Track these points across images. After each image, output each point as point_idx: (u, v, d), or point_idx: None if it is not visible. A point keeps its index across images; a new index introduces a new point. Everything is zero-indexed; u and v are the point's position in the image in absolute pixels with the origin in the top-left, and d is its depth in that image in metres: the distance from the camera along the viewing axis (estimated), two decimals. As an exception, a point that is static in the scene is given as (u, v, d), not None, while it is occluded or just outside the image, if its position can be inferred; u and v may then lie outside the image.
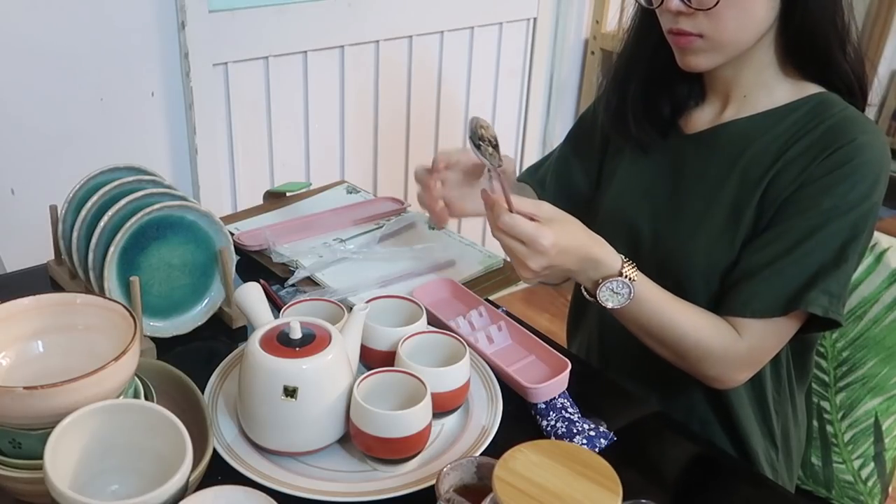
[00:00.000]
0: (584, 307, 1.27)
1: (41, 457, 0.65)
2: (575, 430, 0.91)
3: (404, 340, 0.92)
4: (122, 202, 1.00)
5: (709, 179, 1.05)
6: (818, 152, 0.97)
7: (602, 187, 1.20)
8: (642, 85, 1.09)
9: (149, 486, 0.64)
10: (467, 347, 0.92)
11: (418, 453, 0.84)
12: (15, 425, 0.71)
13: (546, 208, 0.94)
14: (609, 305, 0.97)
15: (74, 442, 0.69)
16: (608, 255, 0.95)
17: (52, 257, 1.18)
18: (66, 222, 1.08)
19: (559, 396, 0.96)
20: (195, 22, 1.71)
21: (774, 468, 1.14)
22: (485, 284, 1.21)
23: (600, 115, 1.18)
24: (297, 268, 1.20)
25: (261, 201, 1.47)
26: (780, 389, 1.11)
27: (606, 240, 0.97)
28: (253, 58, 1.86)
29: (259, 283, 0.92)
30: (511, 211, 0.91)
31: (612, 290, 0.96)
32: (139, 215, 0.99)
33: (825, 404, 1.25)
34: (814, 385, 1.25)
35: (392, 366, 0.90)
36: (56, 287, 1.16)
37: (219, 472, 0.81)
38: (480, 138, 0.96)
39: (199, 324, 1.08)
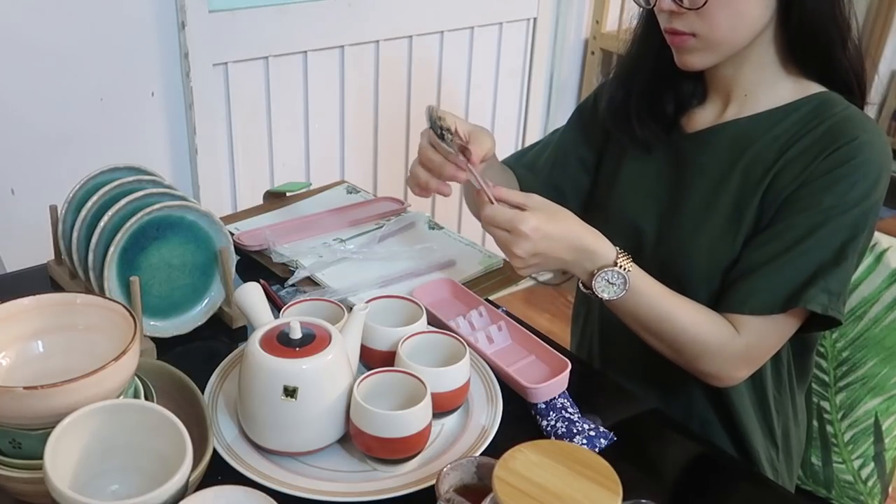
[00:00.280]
0: (586, 306, 1.27)
1: (41, 457, 0.65)
2: (575, 430, 0.91)
3: (404, 340, 0.92)
4: (122, 202, 1.00)
5: (710, 179, 1.05)
6: (819, 151, 0.97)
7: (604, 185, 1.19)
8: (648, 81, 1.10)
9: (149, 486, 0.64)
10: (467, 347, 0.92)
11: (418, 453, 0.84)
12: (15, 425, 0.71)
13: (536, 198, 0.95)
14: (604, 297, 0.97)
15: (74, 442, 0.69)
16: (603, 246, 0.96)
17: (52, 257, 1.18)
18: (66, 222, 1.07)
19: (559, 396, 0.96)
20: (195, 22, 1.72)
21: (775, 468, 1.14)
22: (485, 284, 1.21)
23: (601, 109, 1.17)
24: (297, 268, 1.19)
25: (261, 201, 1.47)
26: (780, 389, 1.11)
27: (610, 239, 0.97)
28: (253, 58, 1.86)
29: (259, 283, 0.92)
30: (492, 200, 0.93)
31: (608, 280, 0.96)
32: (139, 215, 0.99)
33: (825, 404, 1.25)
34: (814, 385, 1.25)
35: (392, 366, 0.90)
36: (56, 287, 1.16)
37: (219, 472, 0.81)
38: (441, 128, 0.97)
39: (199, 324, 1.08)
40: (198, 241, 1.06)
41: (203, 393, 0.89)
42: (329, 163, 2.12)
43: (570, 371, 0.97)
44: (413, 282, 1.17)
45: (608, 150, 1.20)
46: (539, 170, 1.24)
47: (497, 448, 0.86)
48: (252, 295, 0.90)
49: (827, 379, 1.24)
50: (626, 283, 0.96)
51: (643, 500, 0.71)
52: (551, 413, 0.93)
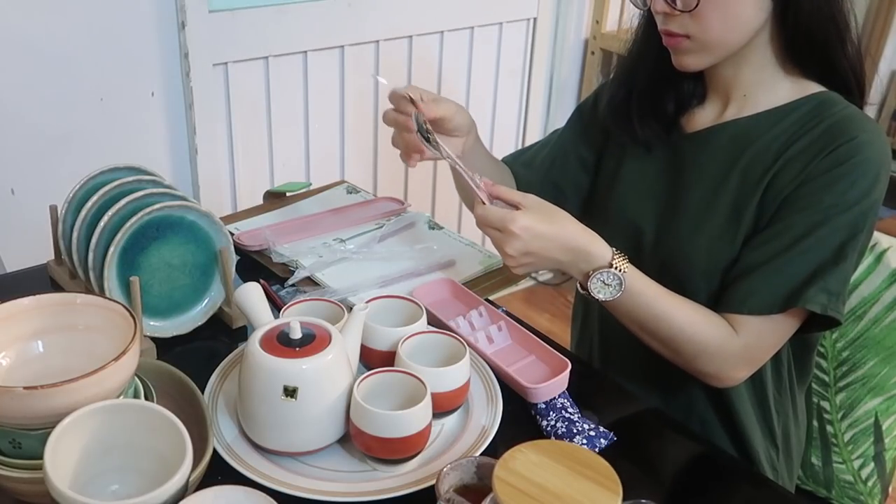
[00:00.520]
0: (586, 306, 1.27)
1: (41, 457, 0.65)
2: (575, 430, 0.91)
3: (404, 340, 0.92)
4: (122, 202, 1.00)
5: (710, 179, 1.05)
6: (819, 150, 0.97)
7: (603, 185, 1.19)
8: (648, 81, 1.10)
9: (149, 486, 0.64)
10: (467, 347, 0.92)
11: (418, 453, 0.84)
12: (15, 425, 0.71)
13: (532, 198, 0.96)
14: (601, 297, 0.97)
15: (74, 442, 0.69)
16: (598, 247, 0.96)
17: (52, 257, 1.18)
18: (66, 222, 1.07)
19: (559, 396, 0.96)
20: (195, 22, 1.71)
21: (775, 468, 1.14)
22: (485, 284, 1.21)
23: (601, 109, 1.17)
24: (297, 268, 1.20)
25: (261, 201, 1.47)
26: (780, 389, 1.11)
27: (610, 239, 0.97)
28: (253, 58, 1.86)
29: (259, 283, 0.92)
30: (484, 201, 0.95)
31: (603, 281, 0.96)
32: (139, 215, 0.99)
33: (825, 404, 1.25)
34: (814, 385, 1.25)
35: (392, 366, 0.90)
36: (56, 287, 1.16)
37: (219, 472, 0.81)
38: (428, 131, 1.00)
39: (199, 324, 1.08)
40: (198, 241, 1.06)
41: (203, 393, 0.89)
42: (329, 163, 2.12)
43: (570, 371, 0.97)
44: (413, 282, 1.17)
45: (608, 150, 1.20)
46: (537, 167, 1.24)
47: (497, 448, 0.86)
48: (252, 295, 0.90)
49: (827, 379, 1.24)
50: (622, 284, 0.96)
51: (643, 500, 0.71)
52: (551, 413, 0.93)
